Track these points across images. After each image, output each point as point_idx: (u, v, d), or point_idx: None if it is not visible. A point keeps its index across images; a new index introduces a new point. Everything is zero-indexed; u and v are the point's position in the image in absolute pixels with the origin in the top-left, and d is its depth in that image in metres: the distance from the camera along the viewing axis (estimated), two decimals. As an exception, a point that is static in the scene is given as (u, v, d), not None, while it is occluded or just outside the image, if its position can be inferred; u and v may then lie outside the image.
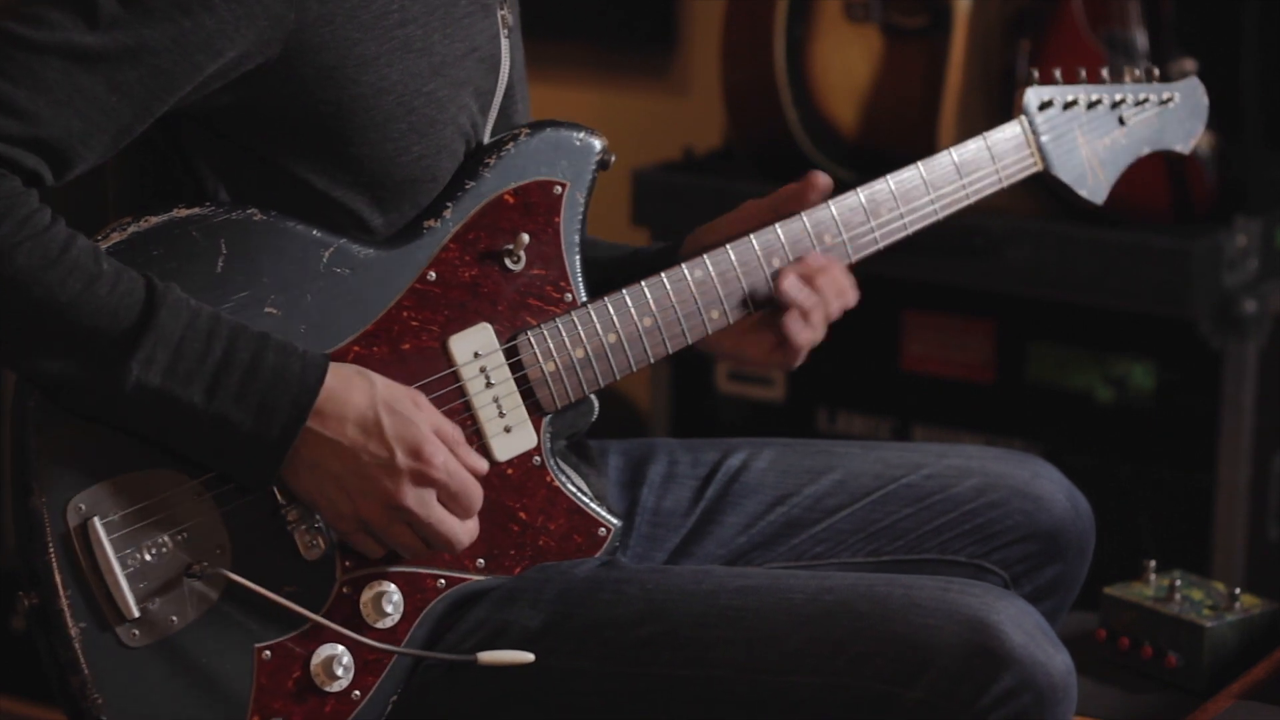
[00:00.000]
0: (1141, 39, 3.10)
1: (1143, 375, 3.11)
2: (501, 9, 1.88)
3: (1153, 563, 2.27)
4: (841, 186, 3.22)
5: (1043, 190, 3.10)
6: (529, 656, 1.76)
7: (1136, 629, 2.21)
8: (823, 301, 1.89)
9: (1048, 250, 3.05)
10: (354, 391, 1.70)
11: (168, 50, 1.65)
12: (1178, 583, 2.22)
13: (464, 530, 1.75)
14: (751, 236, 1.89)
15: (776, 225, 1.90)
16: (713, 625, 1.76)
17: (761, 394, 3.37)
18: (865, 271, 1.97)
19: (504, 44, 1.87)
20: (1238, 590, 2.22)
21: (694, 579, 1.81)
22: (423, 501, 1.72)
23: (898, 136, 3.23)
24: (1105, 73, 2.07)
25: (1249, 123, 3.19)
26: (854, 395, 3.32)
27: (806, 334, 1.89)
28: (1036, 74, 2.03)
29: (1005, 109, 3.13)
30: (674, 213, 3.32)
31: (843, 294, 1.90)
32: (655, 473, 2.05)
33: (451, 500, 1.73)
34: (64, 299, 1.63)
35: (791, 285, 1.87)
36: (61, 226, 1.65)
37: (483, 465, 1.77)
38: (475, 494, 1.74)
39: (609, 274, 1.93)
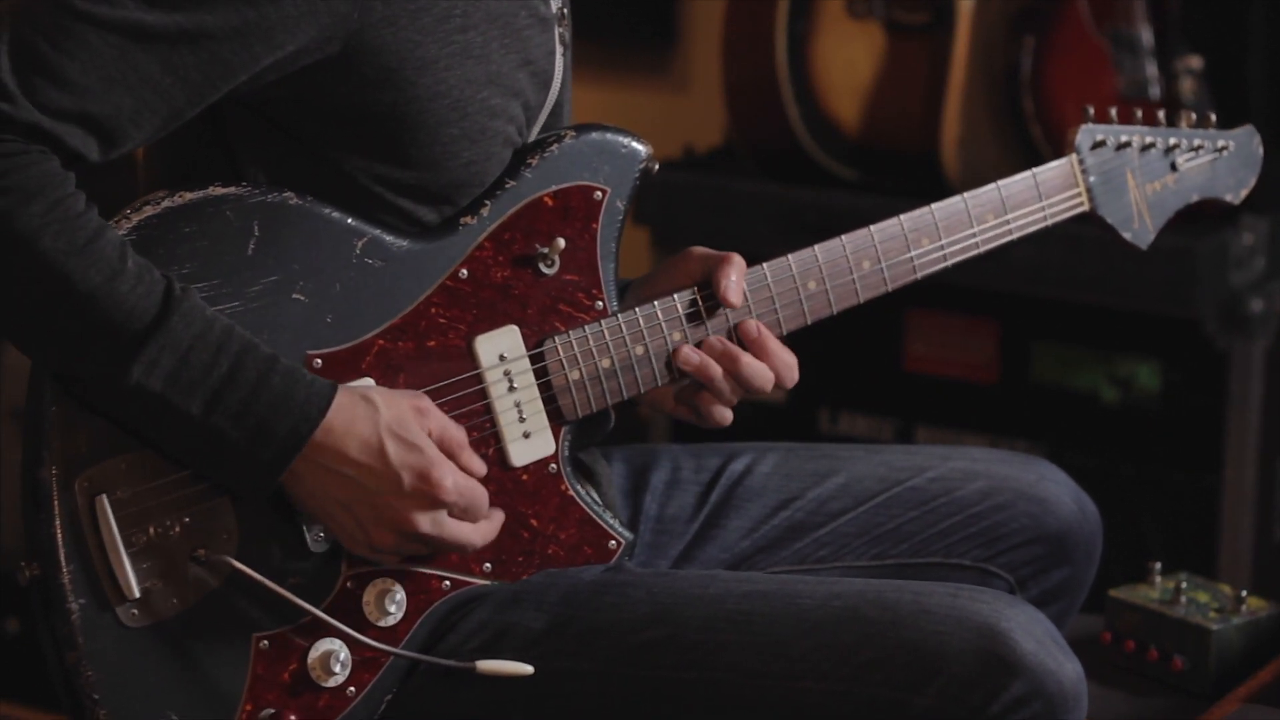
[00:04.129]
0: (1147, 36, 3.09)
1: (1148, 375, 3.09)
2: (560, 26, 1.87)
3: (1158, 565, 2.26)
4: (844, 185, 3.23)
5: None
6: (528, 669, 1.75)
7: (1142, 632, 2.20)
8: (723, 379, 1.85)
9: (1051, 249, 3.04)
10: (357, 421, 1.69)
11: (227, 38, 1.65)
12: (1183, 585, 2.21)
13: (478, 533, 1.74)
14: (788, 258, 1.87)
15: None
16: (719, 629, 1.75)
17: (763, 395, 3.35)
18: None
19: (559, 61, 1.86)
20: (1244, 592, 2.21)
21: (700, 583, 1.80)
22: (436, 522, 1.71)
23: (900, 134, 3.22)
24: (1161, 115, 2.05)
25: (1255, 121, 3.15)
26: (856, 396, 3.31)
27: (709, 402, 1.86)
28: (1092, 111, 2.00)
29: (1008, 107, 3.17)
30: (674, 212, 3.31)
31: (753, 380, 1.84)
32: (658, 480, 2.04)
33: (462, 513, 1.73)
34: (83, 289, 1.62)
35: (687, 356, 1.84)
36: (93, 215, 1.64)
37: (481, 468, 1.75)
38: (482, 499, 1.73)
39: None
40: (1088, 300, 3.10)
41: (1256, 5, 3.16)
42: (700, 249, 1.88)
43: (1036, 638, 1.71)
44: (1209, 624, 2.15)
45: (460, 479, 1.71)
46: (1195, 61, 3.08)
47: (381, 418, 1.69)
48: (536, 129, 1.85)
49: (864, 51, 3.22)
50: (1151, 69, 3.09)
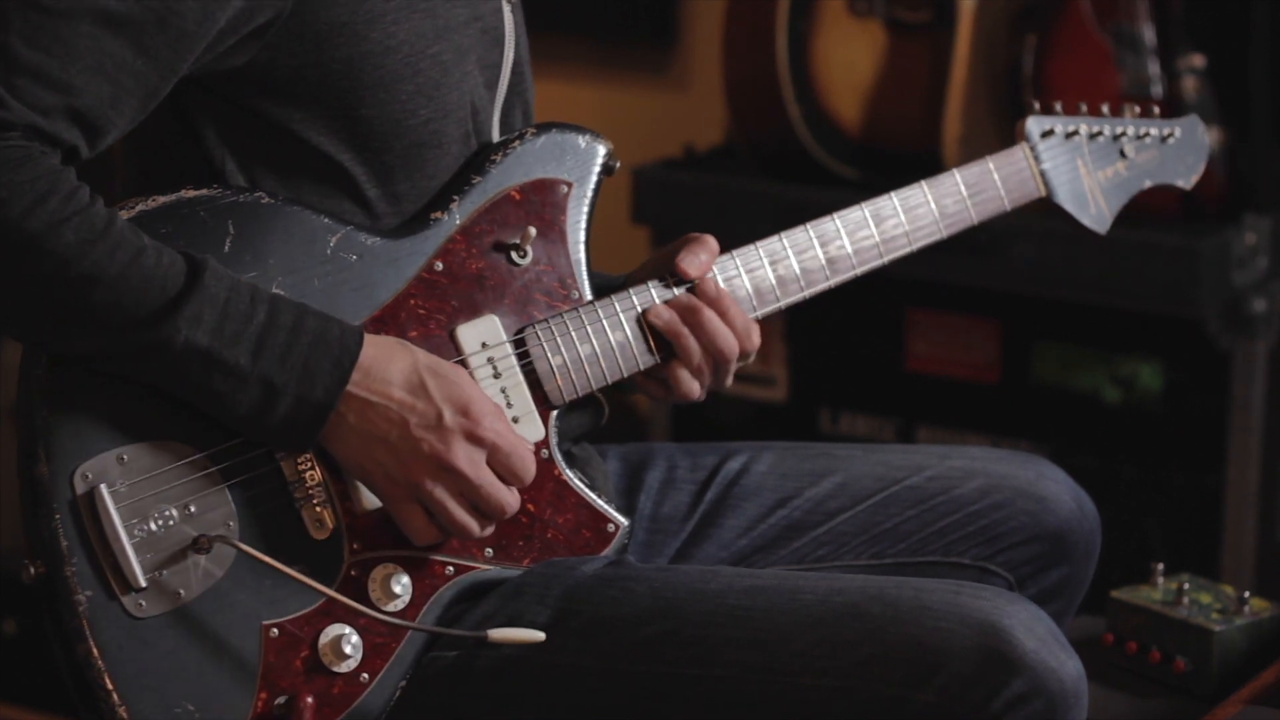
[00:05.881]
0: (1149, 34, 3.08)
1: (1150, 376, 3.08)
2: None
3: (1161, 566, 2.25)
4: (845, 184, 3.23)
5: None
6: (540, 635, 1.76)
7: (1144, 633, 2.19)
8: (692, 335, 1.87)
9: (1053, 249, 3.04)
10: (396, 357, 1.72)
11: (191, 11, 1.66)
12: (1186, 586, 2.21)
13: (515, 498, 1.76)
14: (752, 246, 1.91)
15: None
16: (720, 625, 1.75)
17: (763, 394, 3.35)
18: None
19: (508, 18, 1.90)
20: (1247, 594, 2.20)
21: (702, 578, 1.80)
22: (473, 462, 1.72)
23: (901, 133, 3.21)
24: (1105, 108, 2.12)
25: (1258, 119, 3.16)
26: (857, 395, 3.30)
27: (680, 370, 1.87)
28: (1037, 105, 2.08)
29: (1010, 106, 3.16)
30: (675, 211, 3.31)
31: (716, 337, 1.86)
32: (653, 479, 2.04)
33: (504, 463, 1.74)
34: (114, 271, 1.64)
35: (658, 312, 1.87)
36: (101, 203, 1.66)
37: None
38: (527, 457, 1.76)
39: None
40: (1089, 300, 3.09)
41: (1259, 3, 3.16)
42: (688, 237, 1.91)
43: (1038, 635, 1.71)
44: (1211, 625, 2.14)
45: (500, 421, 1.73)
46: (1198, 60, 3.07)
47: (419, 357, 1.73)
48: (500, 91, 1.89)
49: (865, 50, 3.22)
50: (1154, 67, 3.08)
